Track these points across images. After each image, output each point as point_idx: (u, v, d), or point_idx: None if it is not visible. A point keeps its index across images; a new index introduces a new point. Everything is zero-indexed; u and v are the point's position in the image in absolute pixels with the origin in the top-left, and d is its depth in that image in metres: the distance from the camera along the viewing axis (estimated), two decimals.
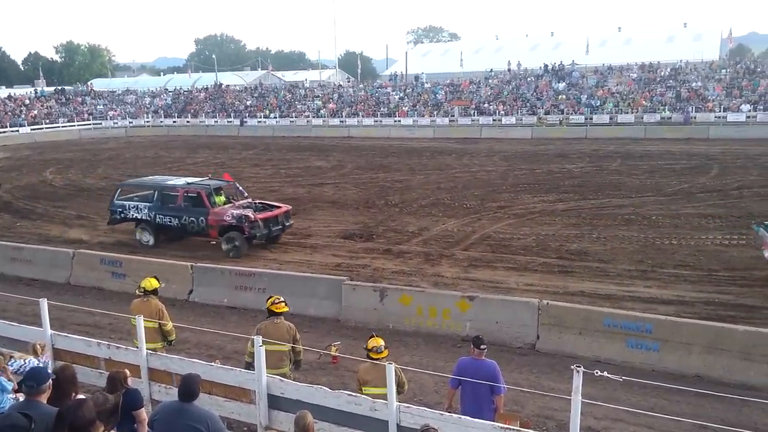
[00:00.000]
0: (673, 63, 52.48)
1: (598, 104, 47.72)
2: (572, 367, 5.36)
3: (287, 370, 7.46)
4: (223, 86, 70.17)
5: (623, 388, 8.42)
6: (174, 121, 61.87)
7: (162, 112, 64.49)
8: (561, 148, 34.82)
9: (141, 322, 7.26)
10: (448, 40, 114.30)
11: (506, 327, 10.45)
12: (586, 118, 45.70)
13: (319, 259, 15.53)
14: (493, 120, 48.56)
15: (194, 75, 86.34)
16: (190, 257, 15.00)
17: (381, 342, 6.66)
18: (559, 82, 52.82)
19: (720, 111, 43.12)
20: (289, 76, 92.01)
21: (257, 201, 17.50)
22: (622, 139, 37.62)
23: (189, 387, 5.14)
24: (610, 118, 45.08)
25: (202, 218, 16.22)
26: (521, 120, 47.48)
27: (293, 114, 58.36)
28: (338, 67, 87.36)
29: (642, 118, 44.08)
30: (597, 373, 5.63)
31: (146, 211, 17.02)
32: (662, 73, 50.91)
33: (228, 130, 55.41)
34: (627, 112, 45.51)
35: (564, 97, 50.06)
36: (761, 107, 42.42)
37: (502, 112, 49.59)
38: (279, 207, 17.03)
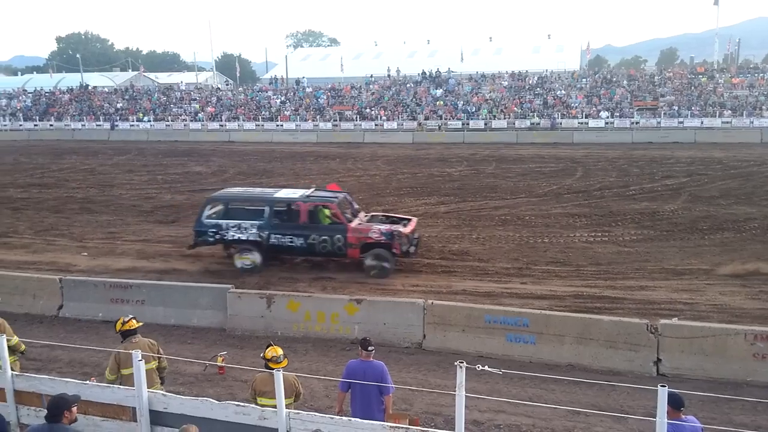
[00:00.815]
0: (539, 72, 56.07)
1: (473, 110, 49.93)
2: (456, 363, 5.52)
3: (159, 387, 7.08)
4: (89, 87, 65.73)
5: (504, 381, 8.84)
6: (35, 125, 57.11)
7: (21, 114, 59.29)
8: (441, 153, 36.03)
9: None
10: (328, 45, 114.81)
11: (394, 328, 10.63)
12: (463, 124, 47.65)
13: (198, 266, 14.94)
14: (375, 125, 49.33)
15: (56, 75, 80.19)
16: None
17: (280, 351, 6.51)
18: (436, 89, 54.68)
19: (582, 117, 46.64)
20: (163, 77, 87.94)
21: (382, 214, 15.95)
22: (497, 143, 39.60)
23: (55, 408, 4.94)
24: (485, 124, 47.33)
25: (338, 236, 14.01)
26: (402, 125, 48.62)
27: (169, 117, 55.86)
28: (216, 70, 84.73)
29: (514, 123, 46.70)
30: (479, 367, 5.85)
31: (255, 230, 14.30)
32: (530, 82, 54.23)
33: (97, 134, 51.92)
34: (500, 118, 48.00)
35: (442, 103, 51.90)
36: (618, 114, 46.38)
37: (384, 117, 50.51)
38: (409, 219, 15.25)
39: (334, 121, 51.35)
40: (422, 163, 32.22)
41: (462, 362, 5.47)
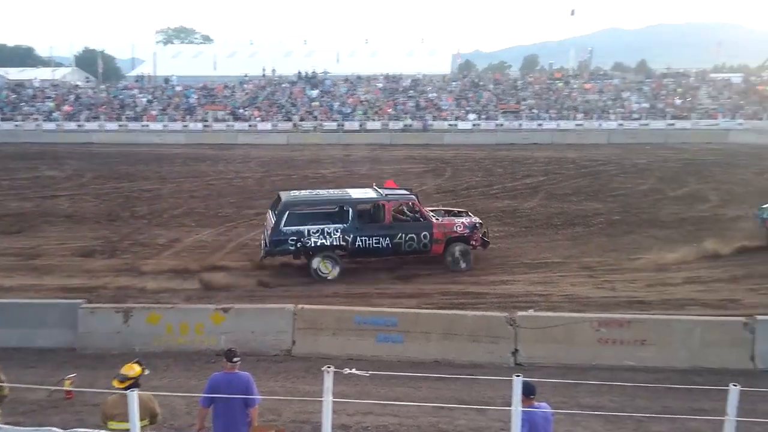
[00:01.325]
0: (413, 75, 57.64)
1: (349, 111, 50.32)
2: (323, 368, 5.49)
3: None
4: None
5: (373, 382, 8.88)
6: None
7: None
8: (316, 154, 35.93)
9: None
10: (201, 42, 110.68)
11: (262, 336, 10.36)
12: (338, 125, 47.86)
13: (51, 281, 13.75)
14: (249, 126, 48.25)
15: None
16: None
17: (133, 370, 6.06)
18: (312, 90, 54.50)
19: (452, 119, 48.53)
20: (14, 73, 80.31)
21: (441, 208, 15.74)
22: (372, 144, 40.14)
23: None
24: (360, 125, 47.87)
25: (425, 233, 13.84)
26: (277, 126, 47.95)
27: (19, 117, 51.12)
28: (76, 66, 78.74)
29: (388, 125, 47.62)
30: (346, 371, 5.85)
31: (339, 234, 13.56)
32: (404, 84, 55.59)
33: None
34: (375, 120, 48.76)
35: (318, 104, 51.81)
36: (484, 117, 48.76)
37: (258, 118, 49.53)
38: (466, 212, 15.53)
39: (205, 121, 49.56)
40: (297, 164, 31.95)
41: (329, 367, 5.43)
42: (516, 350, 9.83)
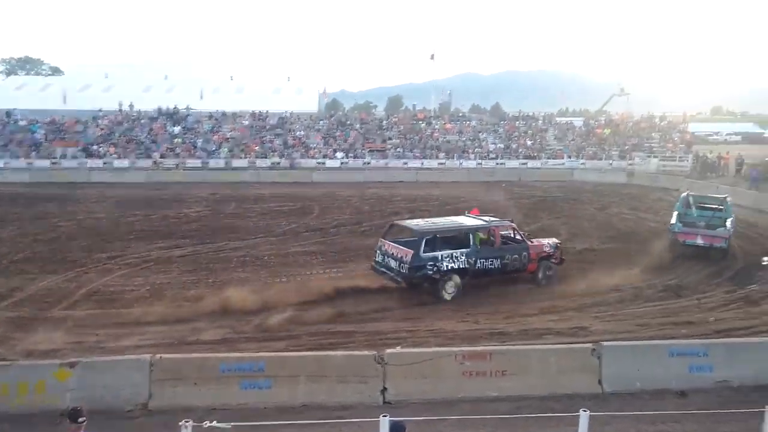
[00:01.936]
0: (280, 113, 57.48)
1: (214, 149, 48.94)
2: (180, 423, 5.10)
3: None
4: None
5: None
6: None
7: None
8: (178, 192, 34.41)
9: None
10: (50, 74, 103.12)
11: (114, 390, 9.55)
12: (203, 163, 46.31)
13: None
14: (104, 163, 45.30)
15: None
16: None
17: None
18: (174, 126, 52.48)
19: (320, 157, 48.82)
20: None
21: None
22: (238, 183, 39.21)
23: None
24: (226, 163, 46.65)
25: (525, 253, 16.20)
26: (135, 163, 45.45)
27: None
28: None
29: (255, 163, 46.87)
30: (206, 424, 5.49)
31: (464, 258, 15.22)
32: (271, 122, 55.21)
33: None
34: (242, 157, 47.81)
35: (180, 140, 49.91)
36: (352, 155, 49.56)
37: (114, 155, 46.69)
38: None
39: (53, 158, 45.85)
40: (157, 204, 30.33)
41: (188, 421, 5.07)
42: (385, 388, 9.84)
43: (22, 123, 51.51)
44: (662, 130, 57.39)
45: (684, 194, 21.71)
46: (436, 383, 9.90)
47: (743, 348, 11.00)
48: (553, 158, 50.57)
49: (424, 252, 14.88)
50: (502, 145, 53.22)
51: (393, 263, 15.30)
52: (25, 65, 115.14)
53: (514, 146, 53.07)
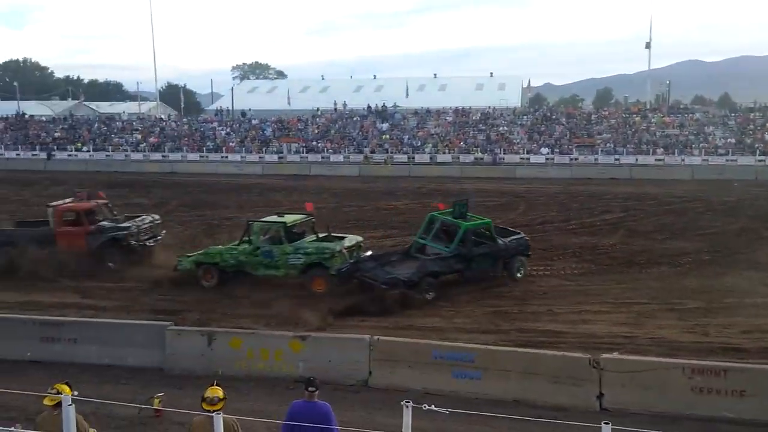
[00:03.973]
0: (482, 108, 57.57)
1: (419, 144, 50.66)
2: (402, 403, 5.38)
3: None
4: (26, 116, 63.43)
5: (451, 419, 8.67)
6: None
7: None
8: (387, 186, 36.20)
9: None
10: (275, 78, 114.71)
11: (338, 365, 10.39)
12: (409, 158, 48.21)
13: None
14: (322, 158, 49.35)
15: None
16: None
17: (219, 392, 6.21)
18: (382, 123, 55.30)
19: (524, 153, 47.97)
20: (105, 107, 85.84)
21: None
22: (442, 177, 40.07)
23: None
24: (431, 158, 48.02)
25: None
26: (348, 158, 48.80)
27: (109, 148, 54.37)
28: (160, 100, 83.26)
29: (458, 158, 47.57)
30: (425, 407, 5.73)
31: None
32: (474, 118, 55.55)
33: (32, 164, 49.96)
34: (445, 153, 48.83)
35: (388, 137, 52.47)
36: (557, 150, 47.93)
37: (330, 150, 50.61)
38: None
39: (280, 153, 51.11)
40: (368, 196, 32.26)
41: (408, 402, 5.34)
42: (601, 394, 9.41)
43: (254, 121, 58.22)
44: None
45: None
46: (660, 395, 9.20)
47: None
48: None
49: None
50: (733, 140, 47.54)
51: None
52: (255, 70, 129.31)
53: (748, 141, 47.07)
